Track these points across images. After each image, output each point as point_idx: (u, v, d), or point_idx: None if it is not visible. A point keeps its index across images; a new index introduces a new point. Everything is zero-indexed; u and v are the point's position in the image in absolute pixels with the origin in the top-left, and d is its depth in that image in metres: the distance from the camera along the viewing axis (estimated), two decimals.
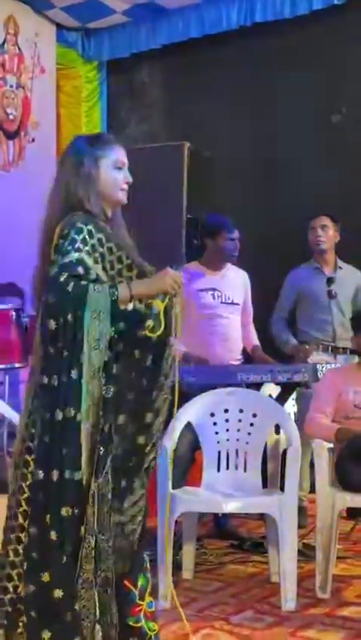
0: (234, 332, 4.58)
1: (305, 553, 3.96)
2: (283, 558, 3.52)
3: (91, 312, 2.42)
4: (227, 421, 3.99)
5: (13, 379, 5.65)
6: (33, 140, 6.89)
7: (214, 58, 6.70)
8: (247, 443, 3.96)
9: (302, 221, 5.19)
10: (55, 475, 2.42)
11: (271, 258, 5.95)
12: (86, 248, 2.50)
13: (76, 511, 2.42)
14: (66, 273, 2.44)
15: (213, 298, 4.51)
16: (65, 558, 2.41)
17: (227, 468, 3.97)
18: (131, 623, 2.54)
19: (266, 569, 3.91)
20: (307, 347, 4.71)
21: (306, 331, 4.95)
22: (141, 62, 7.24)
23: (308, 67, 6.28)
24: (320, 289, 4.89)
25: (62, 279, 2.43)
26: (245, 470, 3.95)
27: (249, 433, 3.96)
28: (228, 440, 3.98)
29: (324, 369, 4.35)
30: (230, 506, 3.68)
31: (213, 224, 4.66)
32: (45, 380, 2.48)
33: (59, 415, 2.43)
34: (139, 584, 2.56)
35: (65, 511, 2.41)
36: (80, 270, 2.47)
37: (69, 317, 2.43)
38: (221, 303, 4.52)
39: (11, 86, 6.68)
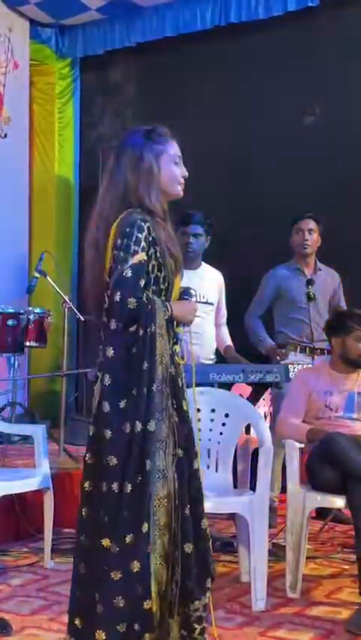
0: (208, 331, 4.58)
1: (275, 553, 3.98)
2: (253, 558, 3.53)
3: (159, 328, 2.49)
4: (199, 420, 3.98)
5: None
6: (5, 135, 6.85)
7: (188, 57, 6.72)
8: (218, 443, 3.96)
9: (279, 221, 5.20)
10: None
11: (247, 256, 5.98)
12: (146, 247, 2.50)
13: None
14: (140, 278, 2.46)
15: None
16: None
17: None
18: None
19: (236, 568, 3.92)
20: (284, 351, 4.73)
21: (283, 332, 4.96)
22: (115, 60, 7.23)
23: (282, 68, 6.32)
24: (299, 290, 4.91)
25: (138, 281, 2.45)
26: (216, 470, 3.95)
27: (221, 433, 3.96)
28: (200, 440, 3.97)
29: (296, 369, 4.37)
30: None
31: (176, 220, 4.66)
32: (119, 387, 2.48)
33: (138, 427, 2.43)
34: None
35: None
36: (146, 269, 2.50)
37: (148, 330, 2.46)
38: (195, 302, 4.49)
39: None
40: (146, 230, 2.50)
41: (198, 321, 4.47)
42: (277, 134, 6.27)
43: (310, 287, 4.85)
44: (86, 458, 2.53)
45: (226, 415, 3.96)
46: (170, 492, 2.46)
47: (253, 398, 4.45)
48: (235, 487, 3.92)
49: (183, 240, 4.53)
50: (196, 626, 2.59)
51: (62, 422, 5.14)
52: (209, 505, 3.67)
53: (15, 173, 6.90)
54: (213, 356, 4.59)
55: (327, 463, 3.63)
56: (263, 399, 4.96)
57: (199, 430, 3.95)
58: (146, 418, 2.43)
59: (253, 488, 3.69)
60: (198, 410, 3.97)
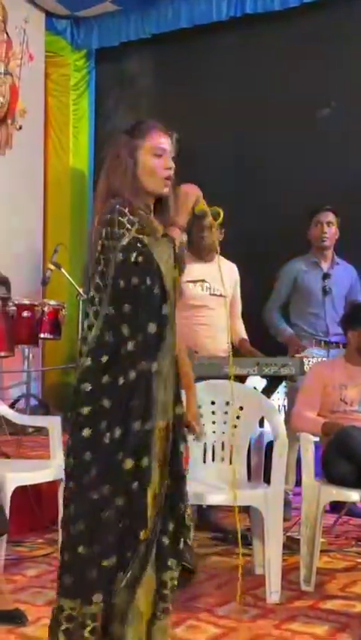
0: (221, 324, 4.56)
1: (289, 546, 3.97)
2: (267, 551, 3.52)
3: (161, 261, 2.48)
4: (213, 413, 3.98)
5: None
6: (20, 127, 6.86)
7: (204, 48, 6.69)
8: (232, 435, 3.96)
9: (293, 214, 5.19)
10: (117, 432, 2.45)
11: (261, 250, 5.97)
12: (135, 226, 2.50)
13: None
14: (134, 254, 2.46)
15: (202, 289, 4.50)
16: None
17: (213, 460, 3.97)
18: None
19: (250, 561, 3.92)
20: (304, 343, 4.74)
21: (298, 325, 4.96)
22: (130, 51, 7.21)
23: (298, 60, 6.28)
24: (315, 284, 4.90)
25: (132, 259, 2.45)
26: (230, 462, 3.95)
27: (235, 426, 3.96)
28: (214, 432, 3.98)
29: (311, 363, 4.36)
30: (215, 498, 3.68)
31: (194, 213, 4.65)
32: (105, 358, 2.48)
33: (132, 374, 2.45)
34: None
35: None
36: (139, 244, 2.48)
37: (148, 281, 2.45)
38: (210, 294, 4.51)
39: None
40: (128, 214, 2.50)
41: (212, 314, 4.52)
42: (293, 127, 6.24)
43: (326, 281, 4.84)
44: (80, 410, 2.51)
45: (241, 408, 3.95)
46: (168, 424, 2.51)
47: (268, 391, 4.44)
48: (249, 479, 3.92)
49: (197, 232, 4.53)
50: (162, 604, 2.59)
51: None
52: (223, 498, 3.69)
53: (30, 165, 6.91)
54: (227, 349, 4.58)
55: (342, 456, 3.62)
56: (278, 392, 4.95)
57: (213, 422, 3.97)
58: (150, 359, 2.46)
59: (267, 481, 3.70)
60: (213, 403, 3.98)
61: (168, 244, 2.53)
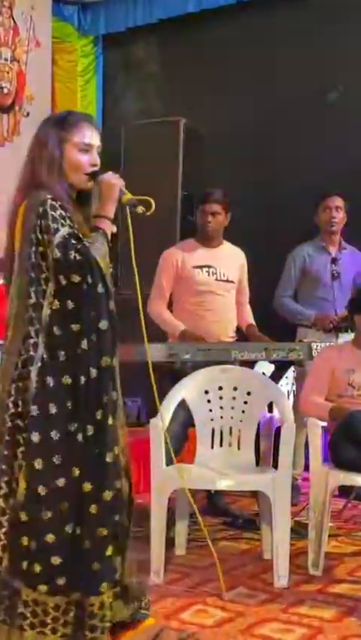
0: (228, 310, 4.56)
1: (297, 530, 3.97)
2: (275, 535, 3.53)
3: (100, 258, 2.53)
4: (221, 398, 3.98)
5: None
6: (28, 114, 6.85)
7: (211, 33, 6.66)
8: (240, 421, 3.96)
9: (301, 198, 5.17)
10: (90, 429, 2.50)
11: (268, 235, 5.95)
12: (67, 221, 2.54)
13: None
14: (70, 251, 2.49)
15: (208, 275, 4.48)
16: None
17: (220, 445, 3.97)
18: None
19: (258, 545, 3.93)
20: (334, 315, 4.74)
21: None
22: (137, 37, 7.18)
23: (306, 43, 6.24)
24: (324, 269, 4.89)
25: (70, 256, 2.48)
26: (238, 448, 3.95)
27: (243, 411, 3.96)
28: (222, 417, 3.98)
29: (319, 347, 4.35)
30: (224, 483, 3.69)
31: (195, 198, 4.66)
32: (64, 357, 2.51)
33: (94, 372, 2.50)
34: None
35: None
36: (73, 241, 2.51)
37: (89, 279, 2.50)
38: (216, 280, 4.49)
39: (6, 59, 6.64)
40: (59, 209, 2.53)
41: (218, 300, 4.52)
42: (301, 112, 6.21)
43: (334, 265, 4.83)
44: (31, 411, 2.51)
45: (248, 393, 3.95)
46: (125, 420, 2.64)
47: (276, 376, 4.43)
48: (258, 465, 3.92)
49: (201, 218, 4.52)
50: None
51: None
52: (231, 483, 3.69)
53: None
54: (234, 334, 4.58)
55: (350, 441, 3.62)
56: (286, 377, 4.95)
57: (221, 408, 3.97)
58: (109, 355, 2.55)
59: (276, 466, 3.70)
60: (220, 388, 3.98)
61: (103, 238, 2.57)
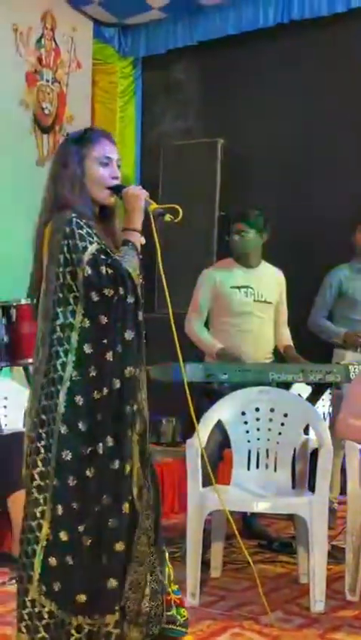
0: (266, 331, 4.55)
1: (334, 555, 3.93)
2: (312, 559, 3.50)
3: (132, 270, 2.56)
4: (258, 419, 3.97)
5: None
6: (68, 134, 6.90)
7: (250, 55, 6.68)
8: (277, 443, 3.94)
9: (338, 220, 5.15)
10: (109, 441, 2.50)
11: (306, 256, 5.93)
12: (95, 238, 2.55)
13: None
14: (101, 266, 2.50)
15: (246, 296, 4.47)
16: None
17: (257, 467, 3.95)
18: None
19: (294, 569, 3.89)
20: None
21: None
22: (177, 59, 7.21)
23: (346, 66, 6.23)
24: (360, 290, 4.86)
25: (102, 272, 2.50)
26: (275, 470, 3.93)
27: (279, 433, 3.94)
28: (258, 439, 3.96)
29: (356, 370, 4.32)
30: (260, 506, 3.67)
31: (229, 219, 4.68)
32: (94, 373, 2.52)
33: (117, 383, 2.52)
34: (165, 573, 2.64)
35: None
36: (103, 256, 2.53)
37: (121, 291, 2.53)
38: (254, 301, 4.49)
39: (47, 81, 6.71)
40: (85, 227, 2.54)
41: (256, 321, 4.50)
42: (339, 133, 6.20)
43: None
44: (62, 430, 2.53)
45: (285, 415, 3.93)
46: (145, 428, 2.60)
47: (313, 398, 4.40)
48: (294, 487, 3.89)
49: (232, 237, 4.52)
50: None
51: None
52: (267, 505, 3.67)
53: None
54: (271, 355, 4.56)
55: None
56: (323, 399, 4.92)
57: (258, 429, 3.95)
58: (133, 365, 2.56)
59: (311, 489, 3.67)
60: (257, 410, 3.96)
61: (133, 251, 2.59)
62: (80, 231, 2.52)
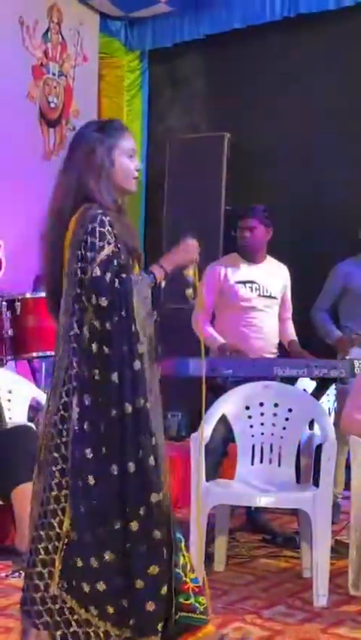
0: (270, 325, 4.55)
1: (337, 550, 3.93)
2: (315, 554, 3.50)
3: (139, 300, 2.48)
4: (262, 414, 3.97)
5: (49, 367, 5.68)
6: (74, 128, 6.89)
7: (257, 49, 6.66)
8: (281, 437, 3.94)
9: (345, 214, 5.14)
10: (131, 467, 2.47)
11: (312, 251, 5.92)
12: (112, 239, 2.51)
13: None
14: (109, 273, 2.46)
15: (251, 291, 4.48)
16: None
17: (261, 462, 3.95)
18: (182, 600, 2.56)
19: (298, 564, 3.90)
20: (353, 337, 4.69)
21: (349, 327, 4.90)
22: (184, 52, 7.21)
23: (353, 61, 6.22)
24: None
25: (107, 278, 2.46)
26: (279, 465, 3.93)
27: (284, 428, 3.94)
28: (262, 434, 3.96)
29: None
30: (264, 500, 3.68)
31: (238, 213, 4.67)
32: (99, 377, 2.48)
33: (129, 408, 2.47)
34: (180, 562, 2.58)
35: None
36: (116, 262, 2.49)
37: (123, 313, 2.47)
38: (259, 295, 4.49)
39: (54, 74, 6.70)
40: (108, 225, 2.51)
41: (261, 316, 4.51)
42: (346, 127, 6.19)
43: None
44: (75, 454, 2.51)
45: (290, 410, 3.93)
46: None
47: (317, 393, 4.40)
48: (298, 482, 3.89)
49: (240, 233, 4.53)
50: None
51: None
52: (271, 500, 3.68)
53: None
54: (275, 350, 4.56)
55: None
56: (327, 394, 4.91)
57: (262, 424, 3.95)
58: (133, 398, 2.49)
59: (316, 484, 3.67)
60: (261, 404, 3.96)
61: (150, 283, 2.53)
62: (101, 229, 2.49)
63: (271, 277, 4.56)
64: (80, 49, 6.93)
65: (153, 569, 2.49)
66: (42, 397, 4.30)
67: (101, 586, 2.47)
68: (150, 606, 2.47)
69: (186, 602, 2.58)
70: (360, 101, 6.14)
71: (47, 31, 6.61)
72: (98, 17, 7.09)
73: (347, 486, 4.19)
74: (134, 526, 2.47)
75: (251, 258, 4.54)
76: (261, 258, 4.57)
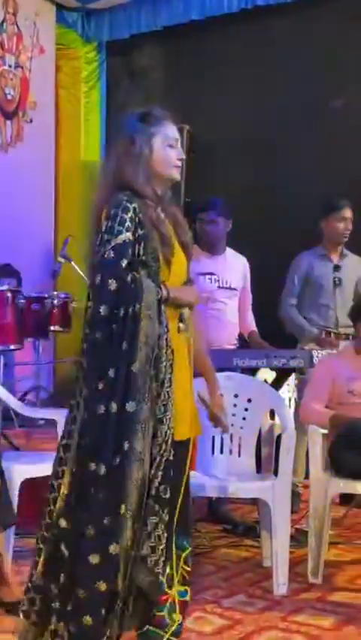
0: (230, 317, 4.57)
1: (297, 538, 3.97)
2: (275, 543, 3.52)
3: (145, 309, 2.37)
4: None
5: (8, 361, 5.65)
6: (31, 120, 6.86)
7: (215, 40, 6.67)
8: (241, 428, 3.95)
9: (304, 206, 5.16)
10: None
11: (271, 241, 5.95)
12: (132, 227, 2.43)
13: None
14: (123, 258, 2.37)
15: (211, 282, 4.49)
16: None
17: (221, 452, 3.97)
18: (155, 612, 2.47)
19: (258, 553, 3.92)
20: (333, 336, 4.72)
21: (310, 318, 4.93)
22: (141, 44, 7.19)
23: (310, 51, 6.25)
24: (326, 276, 4.87)
25: (120, 264, 2.37)
26: (239, 455, 3.95)
27: (244, 418, 3.96)
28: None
29: (320, 355, 4.35)
30: (223, 490, 3.68)
31: (193, 208, 4.67)
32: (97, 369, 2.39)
33: (114, 408, 2.33)
34: (167, 571, 2.48)
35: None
36: (130, 251, 2.40)
37: (130, 310, 2.35)
38: (218, 287, 4.50)
39: (10, 66, 6.65)
40: (132, 211, 2.43)
41: (220, 307, 4.52)
42: (304, 119, 6.22)
43: (336, 272, 4.83)
44: (62, 441, 2.46)
45: (249, 400, 3.95)
46: (144, 475, 2.36)
47: (277, 383, 4.43)
48: (259, 472, 3.91)
49: (200, 227, 4.54)
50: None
51: None
52: (230, 490, 3.69)
53: (41, 158, 6.91)
54: (235, 341, 4.58)
55: (351, 448, 3.61)
56: (288, 384, 4.94)
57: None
58: (123, 399, 2.33)
59: (276, 473, 3.69)
60: (221, 395, 3.97)
61: (157, 293, 2.41)
62: (123, 215, 2.41)
63: (231, 268, 4.58)
64: (36, 41, 6.88)
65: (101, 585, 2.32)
66: None
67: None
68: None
69: (159, 613, 2.48)
70: (318, 93, 6.18)
71: (2, 22, 6.56)
72: (54, 8, 7.06)
73: (308, 475, 4.23)
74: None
75: (212, 250, 4.56)
76: (221, 249, 4.59)
